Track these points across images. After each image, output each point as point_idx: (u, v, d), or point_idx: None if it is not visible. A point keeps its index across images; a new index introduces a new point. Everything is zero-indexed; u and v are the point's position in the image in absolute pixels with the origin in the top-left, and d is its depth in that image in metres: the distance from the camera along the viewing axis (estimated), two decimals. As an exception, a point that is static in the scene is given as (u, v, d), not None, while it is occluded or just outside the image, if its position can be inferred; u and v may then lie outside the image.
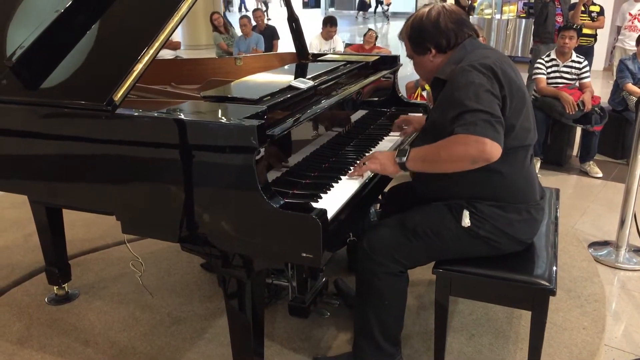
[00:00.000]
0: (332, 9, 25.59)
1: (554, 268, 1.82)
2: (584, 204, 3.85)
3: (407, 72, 2.21)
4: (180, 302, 2.55)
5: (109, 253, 3.06)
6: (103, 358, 2.19)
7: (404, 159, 1.76)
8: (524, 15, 9.97)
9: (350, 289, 2.48)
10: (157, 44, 1.73)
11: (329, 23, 6.68)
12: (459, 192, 1.80)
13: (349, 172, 1.91)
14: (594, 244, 3.20)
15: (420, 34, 1.85)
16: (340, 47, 6.87)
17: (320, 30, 6.72)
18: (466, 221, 1.77)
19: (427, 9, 1.86)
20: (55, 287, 2.59)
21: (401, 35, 1.95)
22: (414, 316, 2.40)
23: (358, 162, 1.95)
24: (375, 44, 6.64)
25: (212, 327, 2.36)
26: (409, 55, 1.96)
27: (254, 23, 7.79)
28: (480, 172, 1.66)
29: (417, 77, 6.02)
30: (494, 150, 1.57)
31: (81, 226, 3.26)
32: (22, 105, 1.83)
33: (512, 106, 1.70)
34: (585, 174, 4.47)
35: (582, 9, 6.26)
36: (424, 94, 5.67)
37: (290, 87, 1.99)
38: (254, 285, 1.71)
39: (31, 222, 2.48)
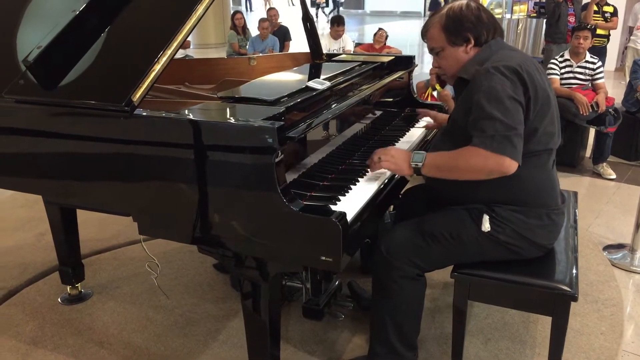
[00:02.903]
0: (340, 9, 25.49)
1: (575, 273, 1.79)
2: (598, 206, 3.81)
3: (416, 71, 2.22)
4: (193, 303, 2.54)
5: (121, 253, 3.06)
6: (117, 359, 2.18)
7: (420, 163, 1.75)
8: (535, 14, 9.89)
9: (364, 291, 2.47)
10: (175, 44, 1.71)
11: (337, 23, 6.67)
12: (478, 196, 1.77)
13: (369, 165, 1.86)
14: (609, 247, 3.16)
15: (460, 23, 1.79)
16: (350, 47, 6.85)
17: (329, 30, 6.71)
18: (486, 226, 1.75)
19: (463, 2, 1.81)
20: (68, 287, 2.59)
21: (427, 30, 1.87)
22: (430, 320, 2.38)
23: (374, 152, 1.87)
24: (385, 43, 6.62)
25: (225, 329, 2.35)
26: (435, 49, 1.86)
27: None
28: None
29: (427, 76, 6.00)
30: (511, 166, 1.60)
31: (93, 226, 3.26)
32: (40, 105, 1.82)
33: (536, 109, 1.68)
34: (599, 175, 4.43)
35: (596, 9, 6.21)
36: (435, 94, 5.65)
37: (307, 88, 1.98)
38: (270, 287, 1.70)
39: (43, 221, 2.47)
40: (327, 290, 2.24)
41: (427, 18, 1.96)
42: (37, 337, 2.33)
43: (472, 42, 1.80)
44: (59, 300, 2.59)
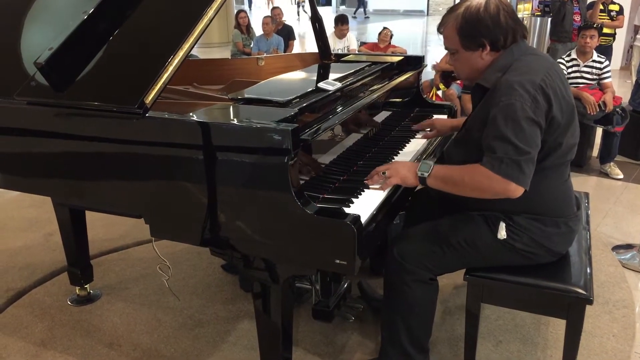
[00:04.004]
0: (343, 7, 25.43)
1: (589, 275, 1.78)
2: (606, 206, 3.79)
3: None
4: (202, 305, 2.54)
5: (129, 254, 3.06)
6: (127, 361, 2.18)
7: (426, 173, 1.72)
8: (539, 13, 9.85)
9: (374, 292, 2.46)
10: (186, 47, 1.71)
11: (340, 22, 6.64)
12: (495, 204, 1.72)
13: (369, 180, 1.81)
14: (617, 247, 3.14)
15: (475, 27, 1.67)
16: (355, 46, 6.83)
17: (333, 29, 6.68)
18: (502, 233, 1.73)
19: (482, 1, 1.68)
20: (77, 288, 2.58)
21: (442, 27, 1.77)
22: (440, 322, 2.37)
23: (377, 169, 1.82)
24: (390, 43, 6.60)
25: (235, 330, 2.34)
26: (450, 49, 1.78)
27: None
28: None
29: (431, 76, 5.98)
30: (517, 191, 1.59)
31: (101, 226, 3.26)
32: (52, 107, 1.81)
33: (562, 124, 1.64)
34: (606, 175, 4.41)
35: (601, 7, 6.19)
36: (439, 93, 5.64)
37: (318, 89, 1.97)
38: (282, 290, 1.69)
39: (51, 222, 2.47)
40: (337, 292, 2.23)
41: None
42: (46, 338, 2.32)
43: (488, 48, 1.70)
44: (68, 301, 2.58)
